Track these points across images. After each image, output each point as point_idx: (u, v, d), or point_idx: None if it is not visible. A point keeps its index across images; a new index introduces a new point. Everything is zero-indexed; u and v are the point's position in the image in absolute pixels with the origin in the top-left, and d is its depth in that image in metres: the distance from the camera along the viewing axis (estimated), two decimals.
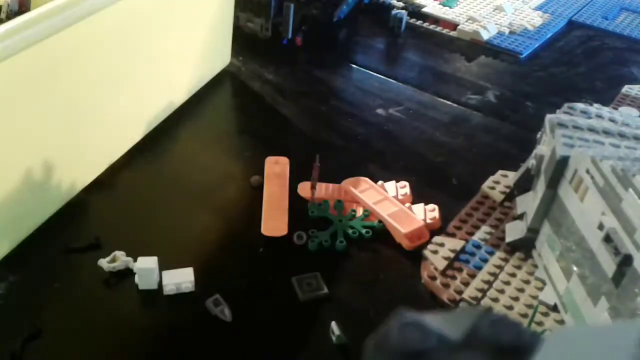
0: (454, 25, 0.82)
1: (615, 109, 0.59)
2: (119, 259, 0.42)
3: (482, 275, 0.44)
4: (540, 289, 0.43)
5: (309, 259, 0.45)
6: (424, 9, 0.85)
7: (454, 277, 0.43)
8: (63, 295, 0.41)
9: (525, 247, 0.46)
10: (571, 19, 0.90)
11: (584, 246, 0.39)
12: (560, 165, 0.41)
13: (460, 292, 0.42)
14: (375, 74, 0.71)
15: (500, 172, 0.54)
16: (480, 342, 0.14)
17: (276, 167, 0.53)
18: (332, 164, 0.53)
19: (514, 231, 0.46)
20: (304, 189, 0.51)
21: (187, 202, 0.49)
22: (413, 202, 0.50)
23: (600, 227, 0.37)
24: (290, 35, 0.74)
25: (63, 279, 0.42)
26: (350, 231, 0.47)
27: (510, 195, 0.51)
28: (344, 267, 0.45)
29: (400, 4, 0.86)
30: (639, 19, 0.91)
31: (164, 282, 0.41)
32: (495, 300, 0.42)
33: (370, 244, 0.47)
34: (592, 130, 0.44)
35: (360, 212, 0.49)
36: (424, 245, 0.46)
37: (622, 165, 0.38)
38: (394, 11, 0.81)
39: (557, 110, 0.48)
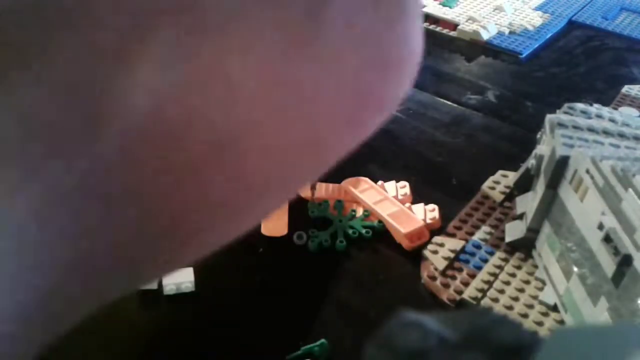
0: (454, 25, 0.82)
1: (615, 109, 0.60)
2: None
3: (482, 275, 0.44)
4: (540, 289, 0.43)
5: (309, 259, 0.45)
6: (424, 9, 0.85)
7: (454, 277, 0.43)
8: None
9: (525, 247, 0.46)
10: (571, 19, 0.90)
11: (584, 246, 0.39)
12: (560, 165, 0.41)
13: (460, 292, 0.42)
14: None
15: (500, 172, 0.54)
16: (480, 342, 0.14)
17: None
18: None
19: (514, 231, 0.46)
20: (304, 188, 0.51)
21: None
22: (413, 202, 0.50)
23: (600, 227, 0.37)
24: None
25: None
26: (350, 231, 0.47)
27: (510, 195, 0.51)
28: (344, 267, 0.45)
29: None
30: (639, 19, 0.91)
31: (164, 282, 0.41)
32: (495, 300, 0.42)
33: (370, 244, 0.47)
34: (592, 130, 0.44)
35: (360, 212, 0.49)
36: (424, 245, 0.46)
37: (622, 165, 0.38)
38: None
39: (557, 110, 0.48)
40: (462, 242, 0.46)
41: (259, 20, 0.12)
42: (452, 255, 0.45)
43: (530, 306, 0.41)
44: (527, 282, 0.43)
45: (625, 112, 0.57)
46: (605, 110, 0.48)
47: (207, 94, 0.12)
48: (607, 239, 0.36)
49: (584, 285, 0.39)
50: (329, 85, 0.14)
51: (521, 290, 0.43)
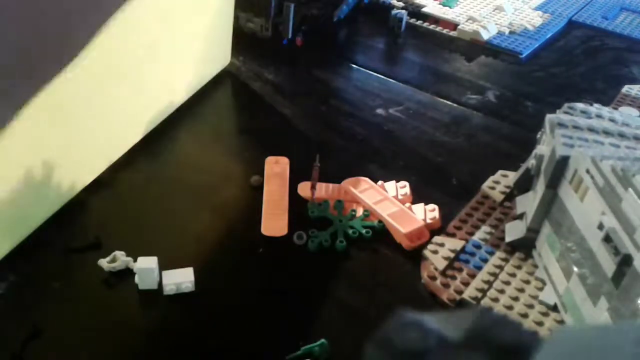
0: (454, 25, 0.82)
1: (615, 109, 0.59)
2: (119, 259, 0.42)
3: (482, 275, 0.44)
4: (540, 289, 0.43)
5: (309, 259, 0.45)
6: (424, 9, 0.85)
7: (454, 277, 0.43)
8: (63, 295, 0.41)
9: (525, 247, 0.46)
10: (571, 19, 0.90)
11: (584, 246, 0.39)
12: (560, 165, 0.41)
13: (460, 292, 0.42)
14: (375, 74, 0.71)
15: (500, 172, 0.54)
16: (480, 342, 0.14)
17: (276, 167, 0.53)
18: (332, 164, 0.53)
19: (514, 231, 0.46)
20: (304, 189, 0.51)
21: (187, 202, 0.49)
22: (413, 202, 0.50)
23: (600, 227, 0.37)
24: (290, 35, 0.74)
25: (63, 279, 0.42)
26: (350, 231, 0.47)
27: (510, 195, 0.51)
28: (344, 267, 0.45)
29: (400, 4, 0.86)
30: (639, 19, 0.91)
31: (164, 282, 0.41)
32: (495, 300, 0.42)
33: (370, 244, 0.46)
34: (592, 130, 0.44)
35: (360, 212, 0.49)
36: (424, 245, 0.46)
37: (622, 165, 0.38)
38: (394, 11, 0.81)
39: (557, 110, 0.48)
40: (462, 242, 0.46)
41: None
42: (452, 255, 0.45)
43: (530, 306, 0.41)
44: (527, 282, 0.43)
45: (625, 112, 0.57)
46: (605, 110, 0.48)
47: None
48: (607, 239, 0.36)
49: (584, 285, 0.39)
50: None
51: (521, 290, 0.43)
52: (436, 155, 0.58)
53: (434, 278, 0.43)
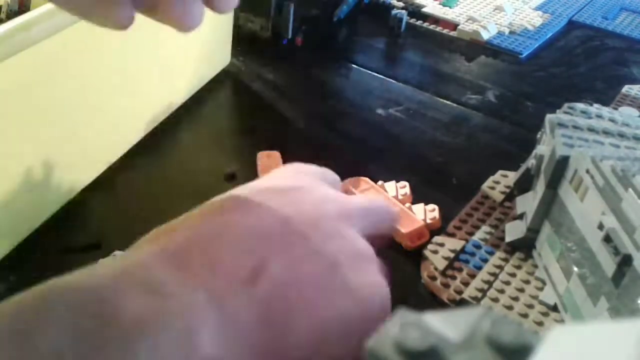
0: (454, 25, 0.82)
1: (615, 109, 0.60)
2: None
3: (482, 275, 0.44)
4: (540, 289, 0.43)
5: None
6: (424, 9, 0.85)
7: (454, 277, 0.43)
8: None
9: (525, 247, 0.46)
10: (571, 19, 0.90)
11: (584, 246, 0.39)
12: (560, 165, 0.41)
13: (460, 292, 0.42)
14: (375, 74, 0.71)
15: (500, 172, 0.54)
16: (480, 342, 0.14)
17: (269, 161, 0.53)
18: (332, 164, 0.53)
19: (514, 231, 0.46)
20: None
21: (187, 202, 0.49)
22: (413, 202, 0.50)
23: (600, 227, 0.37)
24: (290, 35, 0.74)
25: None
26: None
27: (510, 195, 0.51)
28: None
29: (400, 4, 0.86)
30: (639, 19, 0.91)
31: None
32: (495, 300, 0.42)
33: None
34: (592, 130, 0.44)
35: None
36: (424, 245, 0.46)
37: (622, 165, 0.38)
38: (394, 11, 0.81)
39: (557, 110, 0.48)
40: (462, 242, 0.46)
41: None
42: (452, 255, 0.45)
43: (530, 306, 0.41)
44: (527, 282, 0.43)
45: (625, 112, 0.57)
46: (605, 110, 0.48)
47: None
48: (607, 239, 0.36)
49: (584, 285, 0.39)
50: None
51: (521, 290, 0.43)
52: (436, 155, 0.58)
53: (434, 278, 0.43)
